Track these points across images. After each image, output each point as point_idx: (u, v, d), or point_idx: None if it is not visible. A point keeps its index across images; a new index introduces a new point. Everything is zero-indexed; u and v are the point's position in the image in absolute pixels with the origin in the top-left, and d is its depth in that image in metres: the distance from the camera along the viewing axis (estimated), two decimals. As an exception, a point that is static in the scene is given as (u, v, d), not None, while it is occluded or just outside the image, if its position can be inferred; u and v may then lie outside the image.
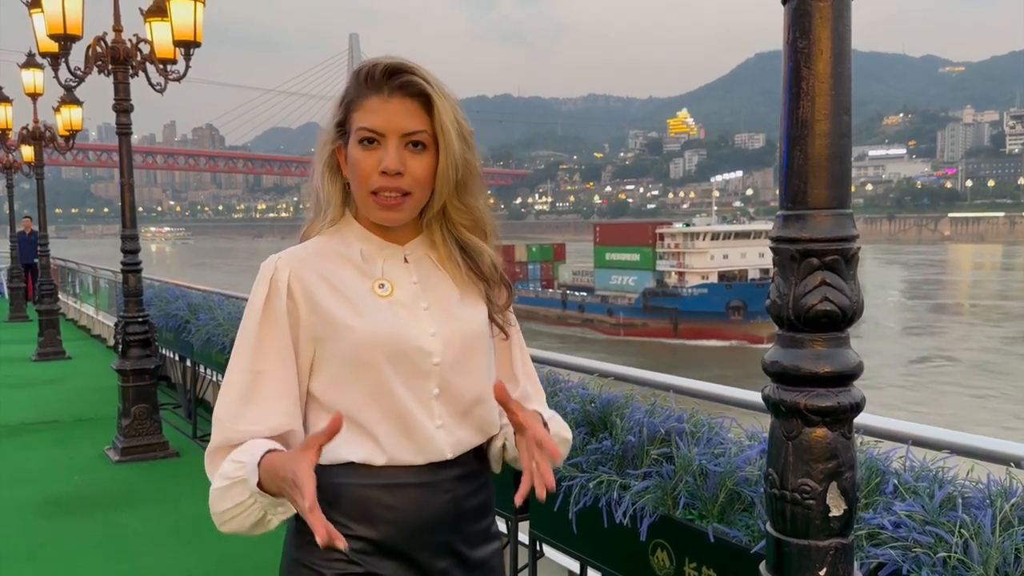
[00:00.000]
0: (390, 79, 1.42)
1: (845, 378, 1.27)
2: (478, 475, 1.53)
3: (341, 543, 1.21)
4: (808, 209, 1.26)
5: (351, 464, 1.43)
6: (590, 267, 59.72)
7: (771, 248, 1.32)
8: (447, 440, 1.46)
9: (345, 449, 1.42)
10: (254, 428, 1.41)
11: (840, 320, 1.26)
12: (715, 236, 52.46)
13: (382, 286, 1.48)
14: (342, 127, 1.48)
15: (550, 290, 59.95)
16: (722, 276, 50.40)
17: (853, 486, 1.29)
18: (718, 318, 47.35)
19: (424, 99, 1.43)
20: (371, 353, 1.41)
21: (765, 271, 48.10)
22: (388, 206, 1.43)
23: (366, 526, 1.42)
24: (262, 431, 1.42)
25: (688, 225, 56.53)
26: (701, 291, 49.42)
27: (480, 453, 1.55)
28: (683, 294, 50.35)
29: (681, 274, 52.36)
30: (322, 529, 1.19)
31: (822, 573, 1.27)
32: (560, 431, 1.61)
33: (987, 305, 60.89)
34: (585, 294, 56.57)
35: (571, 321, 55.32)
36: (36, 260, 13.59)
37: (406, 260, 1.52)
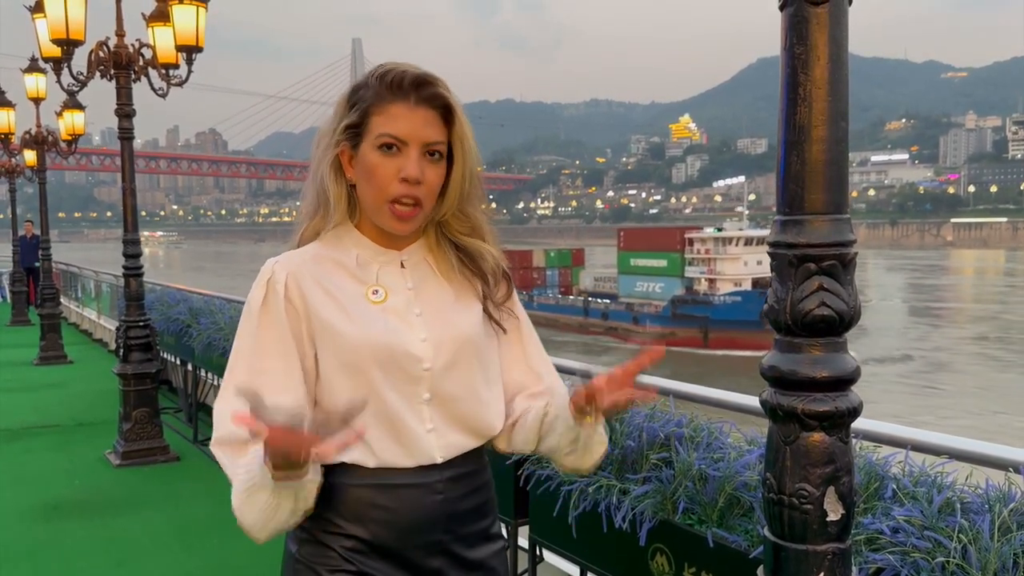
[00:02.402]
0: (418, 89, 1.44)
1: (842, 383, 1.28)
2: (473, 476, 1.53)
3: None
4: (805, 214, 1.26)
5: (342, 465, 1.44)
6: (612, 273, 57.98)
7: (768, 253, 1.32)
8: (437, 444, 1.47)
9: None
10: None
11: (837, 325, 1.26)
12: (748, 241, 50.54)
13: (376, 292, 1.49)
14: (355, 128, 1.46)
15: (571, 296, 58.21)
16: (756, 283, 48.34)
17: (850, 491, 1.29)
18: (752, 327, 44.53)
19: (444, 111, 1.46)
20: (362, 359, 1.43)
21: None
22: (403, 217, 1.45)
23: (358, 525, 1.44)
24: None
25: (720, 230, 54.14)
26: (734, 299, 47.28)
27: (478, 455, 1.55)
28: (715, 302, 48.12)
29: (712, 281, 50.29)
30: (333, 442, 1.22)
31: (819, 578, 1.28)
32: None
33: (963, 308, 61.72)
34: (608, 301, 54.57)
35: (593, 329, 53.39)
36: (38, 264, 13.61)
37: (402, 265, 1.53)
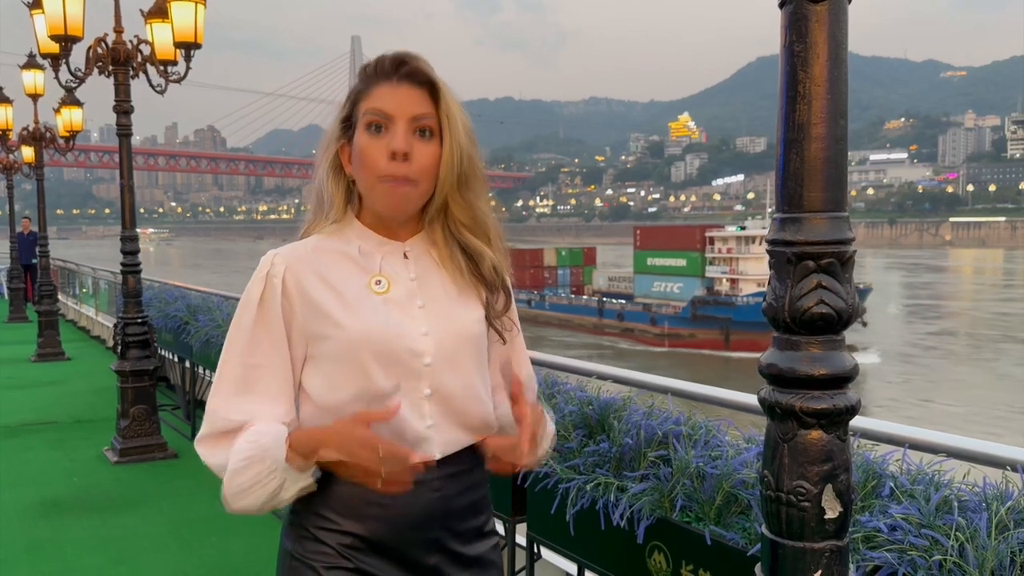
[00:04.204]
0: (398, 67, 1.45)
1: (840, 381, 1.27)
2: (470, 473, 1.53)
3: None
4: (804, 212, 1.26)
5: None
6: (628, 272, 56.74)
7: (767, 251, 1.33)
8: (437, 440, 1.47)
9: None
10: (250, 419, 1.42)
11: (835, 323, 1.26)
12: None
13: (379, 282, 1.48)
14: (347, 122, 1.49)
15: (584, 297, 56.84)
16: None
17: (848, 488, 1.29)
18: None
19: (430, 88, 1.45)
20: (361, 353, 1.42)
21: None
22: (395, 192, 1.43)
23: (355, 522, 1.44)
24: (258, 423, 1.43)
25: (742, 228, 52.38)
26: (757, 300, 45.11)
27: (474, 451, 1.55)
28: (737, 303, 46.65)
29: (734, 281, 49.00)
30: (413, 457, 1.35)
31: (817, 575, 1.28)
32: (550, 426, 1.64)
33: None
34: (624, 301, 53.19)
35: (609, 330, 52.08)
36: (35, 260, 13.59)
37: (406, 256, 1.52)
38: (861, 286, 47.47)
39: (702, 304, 48.66)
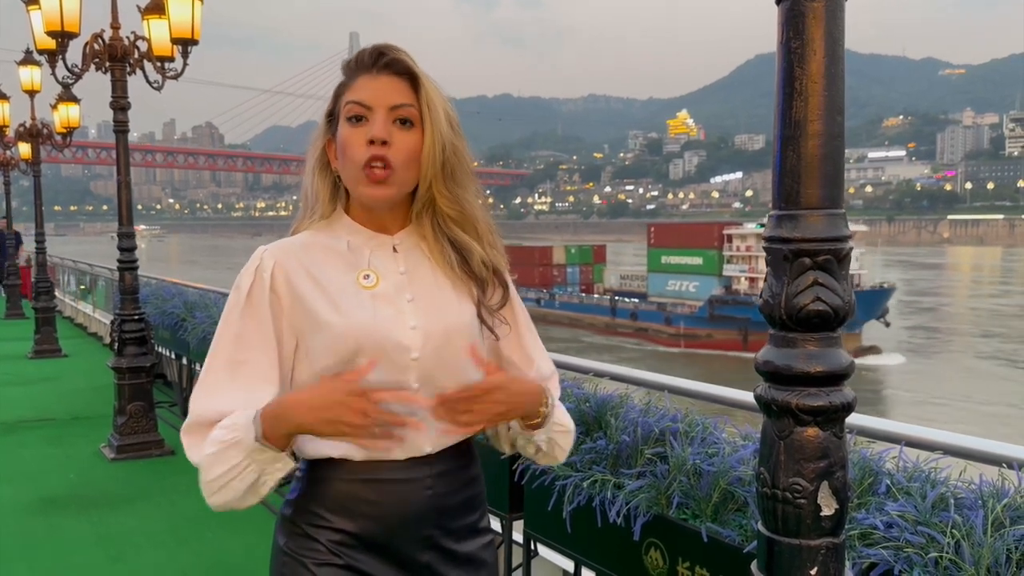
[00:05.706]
0: (378, 59, 1.46)
1: (837, 378, 1.27)
2: (462, 471, 1.53)
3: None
4: (801, 209, 1.26)
5: (330, 459, 1.44)
6: (640, 271, 55.83)
7: (764, 247, 1.32)
8: (426, 435, 1.46)
9: (324, 444, 1.42)
10: (232, 409, 1.39)
11: (832, 320, 1.26)
12: None
13: (367, 277, 1.48)
14: (332, 117, 1.50)
15: (596, 295, 55.79)
16: None
17: (844, 486, 1.29)
18: None
19: (411, 78, 1.46)
20: (348, 349, 1.41)
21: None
22: (376, 180, 1.43)
23: (346, 519, 1.44)
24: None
25: (762, 226, 51.88)
26: None
27: (468, 449, 1.55)
28: (756, 302, 45.73)
29: (753, 280, 47.55)
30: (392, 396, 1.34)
31: (813, 572, 1.28)
32: (563, 420, 1.60)
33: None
34: (637, 300, 52.18)
35: (622, 330, 51.09)
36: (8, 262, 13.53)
37: (395, 250, 1.52)
38: (885, 285, 46.99)
39: (720, 304, 47.58)
